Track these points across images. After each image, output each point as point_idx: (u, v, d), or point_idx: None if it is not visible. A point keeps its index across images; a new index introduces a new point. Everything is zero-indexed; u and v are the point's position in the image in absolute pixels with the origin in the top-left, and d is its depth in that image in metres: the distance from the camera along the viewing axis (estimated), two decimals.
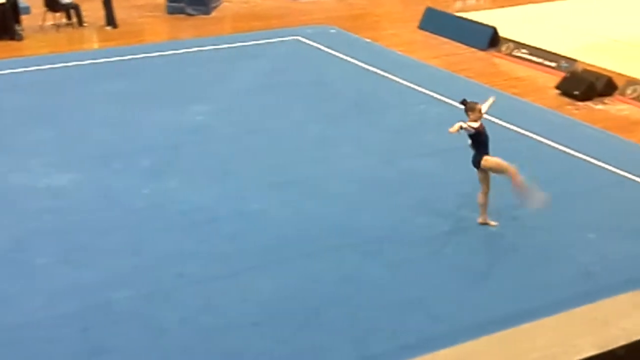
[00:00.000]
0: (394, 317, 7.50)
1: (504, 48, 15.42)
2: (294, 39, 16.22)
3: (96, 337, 7.11)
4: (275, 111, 12.52)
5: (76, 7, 16.94)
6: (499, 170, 8.90)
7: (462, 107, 9.02)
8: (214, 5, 18.59)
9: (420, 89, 13.44)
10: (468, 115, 8.90)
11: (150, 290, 7.77)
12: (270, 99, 13.02)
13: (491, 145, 11.32)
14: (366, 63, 14.69)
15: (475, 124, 8.76)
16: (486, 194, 8.98)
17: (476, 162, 8.90)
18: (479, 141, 8.84)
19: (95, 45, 16.33)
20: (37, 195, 9.59)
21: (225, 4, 19.07)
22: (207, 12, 18.22)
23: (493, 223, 9.08)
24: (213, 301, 7.62)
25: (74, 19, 16.95)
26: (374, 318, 7.47)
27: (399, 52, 15.61)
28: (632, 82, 13.32)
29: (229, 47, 15.71)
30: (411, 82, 13.70)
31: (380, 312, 7.56)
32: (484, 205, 9.04)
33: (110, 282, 7.87)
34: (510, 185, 8.89)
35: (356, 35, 16.63)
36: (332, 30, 16.95)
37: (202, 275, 8.04)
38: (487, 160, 8.85)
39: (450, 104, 12.77)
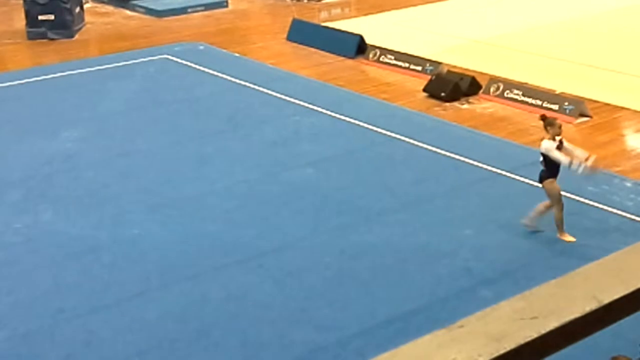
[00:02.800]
0: (282, 331, 7.50)
1: (371, 55, 15.74)
2: (162, 58, 16.02)
3: None
4: (149, 132, 12.33)
5: None
6: (552, 200, 8.82)
7: (541, 122, 8.87)
8: (77, 28, 18.12)
9: (293, 100, 13.54)
10: (547, 130, 8.79)
11: (29, 328, 7.49)
12: (142, 120, 12.81)
13: (365, 151, 11.62)
14: (237, 78, 14.67)
15: (554, 143, 8.65)
16: (555, 209, 8.82)
17: (541, 178, 8.87)
18: (552, 159, 8.69)
19: None
20: None
21: (88, 26, 18.64)
22: (71, 36, 17.75)
23: (570, 238, 8.89)
24: (97, 334, 7.41)
25: None
26: (263, 334, 7.45)
27: (269, 65, 15.67)
28: (494, 80, 13.85)
29: (96, 70, 15.35)
30: (283, 94, 13.78)
31: (268, 327, 7.55)
32: (560, 222, 8.86)
33: None
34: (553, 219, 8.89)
35: (225, 51, 16.59)
36: (201, 47, 16.85)
37: (85, 308, 7.81)
38: (551, 184, 8.77)
39: (324, 113, 12.94)
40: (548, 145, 8.72)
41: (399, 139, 11.88)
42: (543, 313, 1.68)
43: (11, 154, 11.48)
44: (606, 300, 1.72)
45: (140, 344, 7.27)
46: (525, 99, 13.22)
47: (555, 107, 12.81)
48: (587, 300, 1.72)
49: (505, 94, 13.47)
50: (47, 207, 9.80)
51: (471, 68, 14.75)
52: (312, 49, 16.57)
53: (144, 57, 16.08)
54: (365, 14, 19.34)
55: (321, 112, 13.02)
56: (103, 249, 8.87)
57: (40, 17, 17.55)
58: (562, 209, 8.87)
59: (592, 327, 1.71)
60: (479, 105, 13.41)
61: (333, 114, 12.88)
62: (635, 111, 12.45)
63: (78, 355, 7.10)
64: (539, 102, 13.03)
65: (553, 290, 1.76)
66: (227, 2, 20.63)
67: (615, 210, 9.44)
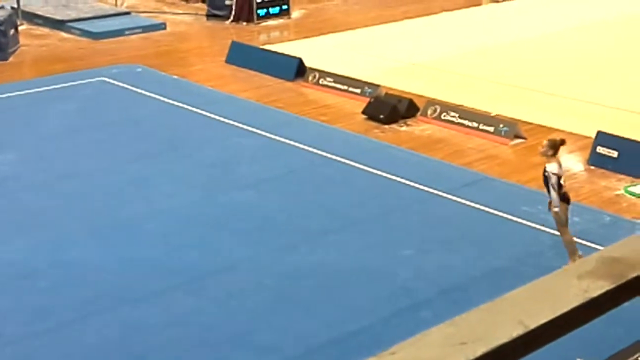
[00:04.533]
0: (224, 354, 7.49)
1: (310, 77, 15.86)
2: (99, 80, 15.88)
3: None
4: (87, 154, 12.20)
5: None
6: (558, 224, 8.69)
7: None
8: (11, 50, 17.85)
9: (232, 122, 13.55)
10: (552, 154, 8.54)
11: None
12: (80, 142, 12.67)
13: (305, 172, 11.69)
14: (176, 100, 14.63)
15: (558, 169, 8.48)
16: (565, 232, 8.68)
17: (548, 204, 8.71)
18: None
19: None
20: None
21: (23, 48, 18.37)
22: (5, 58, 17.46)
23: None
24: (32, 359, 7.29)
25: None
26: (204, 357, 7.42)
27: (209, 87, 15.67)
28: (432, 102, 14.09)
29: (31, 92, 15.13)
30: (223, 116, 13.79)
31: (210, 350, 7.53)
32: (571, 244, 8.67)
33: None
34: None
35: (163, 73, 16.53)
36: (139, 69, 16.75)
37: (21, 334, 7.67)
38: (560, 209, 8.52)
39: (264, 135, 12.99)
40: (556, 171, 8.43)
41: (339, 161, 11.99)
42: (472, 338, 1.75)
43: None
44: (532, 325, 1.79)
45: None
46: (462, 121, 13.47)
47: (491, 129, 13.09)
48: (514, 325, 1.79)
49: (442, 116, 13.71)
50: None
51: (409, 90, 14.98)
52: (252, 72, 16.62)
53: (81, 80, 15.91)
54: (304, 37, 19.49)
55: (261, 134, 13.06)
56: (40, 274, 8.73)
57: None
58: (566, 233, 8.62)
59: (519, 352, 1.79)
60: (417, 128, 13.62)
61: (273, 136, 12.93)
62: (569, 132, 12.80)
63: None
64: (475, 124, 13.30)
65: (482, 315, 1.83)
66: (165, 24, 20.56)
67: (549, 230, 9.67)
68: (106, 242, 9.46)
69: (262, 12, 21.03)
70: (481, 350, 1.72)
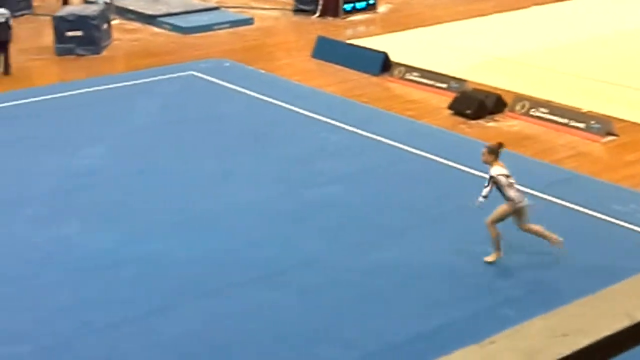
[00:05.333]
0: (304, 348, 7.44)
1: (396, 72, 15.71)
2: (188, 74, 16.10)
3: None
4: (172, 148, 12.35)
5: None
6: (496, 218, 8.79)
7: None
8: (104, 44, 18.28)
9: (317, 116, 13.53)
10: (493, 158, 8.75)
11: (51, 342, 7.48)
12: (166, 136, 12.85)
13: (389, 168, 11.55)
14: (262, 94, 14.70)
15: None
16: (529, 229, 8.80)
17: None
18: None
19: None
20: None
21: (115, 42, 18.79)
22: (98, 52, 17.89)
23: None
24: (118, 349, 7.39)
25: None
26: (284, 350, 7.39)
27: (294, 82, 15.69)
28: (520, 98, 13.76)
29: (122, 86, 15.45)
30: (308, 111, 13.78)
31: (289, 344, 7.49)
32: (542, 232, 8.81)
33: (6, 337, 7.53)
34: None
35: (251, 67, 16.64)
36: (226, 64, 16.91)
37: (105, 323, 7.79)
38: (508, 205, 8.68)
39: (349, 130, 12.91)
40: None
41: (424, 156, 11.82)
42: (574, 330, 1.63)
43: (35, 169, 11.53)
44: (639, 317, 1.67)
45: (162, 358, 7.23)
46: (552, 117, 13.11)
47: (582, 125, 12.69)
48: (619, 317, 1.66)
49: (531, 112, 13.36)
50: (69, 222, 9.81)
51: (496, 85, 14.67)
52: (337, 66, 16.58)
53: (170, 74, 16.16)
54: (390, 32, 19.34)
55: (346, 129, 12.99)
56: (124, 264, 8.86)
57: (68, 34, 17.71)
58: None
59: (625, 344, 1.65)
60: (504, 123, 13.32)
61: (357, 131, 12.84)
62: None
63: None
64: (565, 121, 12.91)
65: (584, 307, 1.70)
66: (252, 19, 20.73)
67: None
68: (189, 234, 9.54)
69: (348, 7, 20.98)
70: (584, 342, 1.60)
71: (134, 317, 7.88)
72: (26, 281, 8.53)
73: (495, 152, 8.72)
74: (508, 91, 14.28)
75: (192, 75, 16.06)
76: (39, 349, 7.37)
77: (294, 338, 7.58)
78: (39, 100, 14.59)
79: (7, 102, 14.45)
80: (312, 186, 10.95)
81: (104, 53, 18.03)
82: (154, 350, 7.37)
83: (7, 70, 16.36)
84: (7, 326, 7.72)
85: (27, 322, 7.79)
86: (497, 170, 8.62)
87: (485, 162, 8.80)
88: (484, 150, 8.87)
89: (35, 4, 21.54)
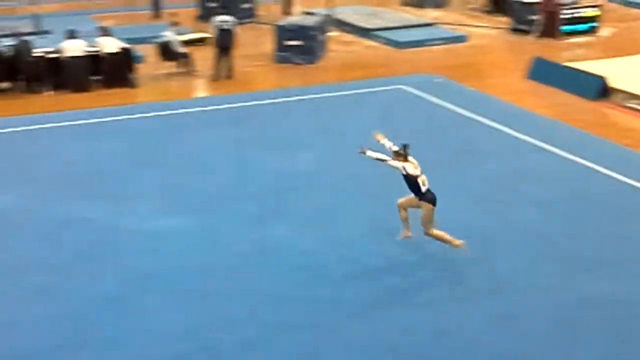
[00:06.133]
0: None
1: (615, 98, 15.04)
2: (398, 88, 16.29)
3: None
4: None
5: (188, 57, 17.56)
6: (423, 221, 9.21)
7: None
8: (319, 54, 18.91)
9: (525, 137, 13.25)
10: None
11: (255, 335, 7.85)
12: (373, 147, 13.04)
13: (598, 197, 11.07)
14: (471, 111, 14.60)
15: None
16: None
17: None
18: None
19: (206, 93, 16.83)
20: (143, 238, 9.86)
21: (331, 53, 19.37)
22: (313, 61, 18.54)
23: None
24: (316, 349, 7.63)
25: (186, 68, 17.56)
26: None
27: (505, 101, 15.44)
28: None
29: (334, 96, 15.91)
30: (516, 131, 13.53)
31: None
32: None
33: (215, 325, 7.99)
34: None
35: (462, 84, 16.57)
36: (437, 79, 16.94)
37: (305, 322, 8.08)
38: (423, 210, 9.15)
39: (557, 154, 12.54)
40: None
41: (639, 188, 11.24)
42: None
43: (252, 168, 12.13)
44: None
45: None
46: None
47: None
48: None
49: None
50: (281, 222, 10.23)
51: None
52: (552, 88, 16.14)
53: (381, 87, 16.44)
54: (611, 56, 18.53)
55: (554, 152, 12.63)
56: (329, 268, 9.13)
57: (287, 43, 18.50)
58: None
59: None
60: None
61: (567, 155, 12.44)
62: None
63: None
64: None
65: None
66: (467, 36, 20.63)
67: None
68: (391, 247, 9.60)
69: (567, 28, 20.37)
70: None
71: (333, 319, 8.11)
72: (237, 274, 9.01)
73: (401, 154, 9.27)
74: None
75: (402, 89, 16.24)
76: (244, 341, 7.75)
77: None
78: (257, 104, 15.34)
79: (229, 104, 15.33)
80: (512, 207, 10.73)
81: (319, 63, 18.65)
82: (350, 354, 7.53)
83: (230, 74, 17.35)
84: (216, 314, 8.19)
85: (234, 313, 8.24)
86: (408, 167, 9.14)
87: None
88: (393, 156, 9.36)
89: (259, 12, 22.67)
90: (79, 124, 14.22)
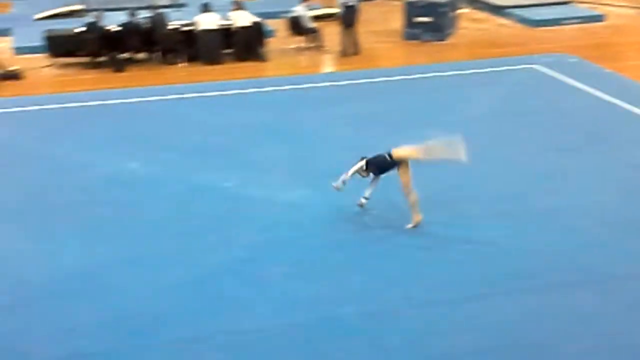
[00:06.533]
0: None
1: None
2: (530, 67, 15.88)
3: (320, 349, 7.31)
4: (508, 139, 12.30)
5: (317, 32, 17.69)
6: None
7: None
8: (450, 31, 18.64)
9: None
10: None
11: (377, 309, 7.88)
12: (503, 127, 12.81)
13: None
14: (606, 94, 14.07)
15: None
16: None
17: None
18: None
19: (333, 69, 16.92)
20: (272, 208, 10.04)
21: (461, 30, 19.07)
22: (443, 39, 18.31)
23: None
24: (437, 326, 7.59)
25: (315, 43, 17.70)
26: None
27: None
28: None
29: (463, 74, 15.66)
30: None
31: (613, 355, 7.17)
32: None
33: (337, 296, 8.07)
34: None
35: (597, 65, 15.98)
36: (572, 59, 16.39)
37: (427, 300, 8.04)
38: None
39: None
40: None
41: None
42: None
43: (377, 144, 12.04)
44: None
45: (476, 345, 7.32)
46: None
47: None
48: None
49: None
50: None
51: None
52: None
53: (512, 65, 16.07)
54: None
55: None
56: (451, 248, 9.03)
57: (416, 19, 18.34)
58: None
59: None
60: None
61: None
62: None
63: (416, 343, 7.35)
64: None
65: None
66: (604, 16, 19.85)
67: None
68: (517, 227, 9.44)
69: None
70: None
71: (454, 299, 8.04)
72: (360, 249, 9.06)
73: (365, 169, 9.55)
74: None
75: (534, 68, 15.81)
76: (365, 313, 7.79)
77: (617, 348, 7.23)
78: (384, 80, 15.30)
79: (356, 79, 15.35)
80: None
81: (449, 40, 18.40)
82: (470, 334, 7.46)
83: (357, 51, 17.37)
84: (338, 286, 8.27)
85: (356, 285, 8.28)
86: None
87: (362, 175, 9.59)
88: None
89: None
90: (211, 96, 14.60)
